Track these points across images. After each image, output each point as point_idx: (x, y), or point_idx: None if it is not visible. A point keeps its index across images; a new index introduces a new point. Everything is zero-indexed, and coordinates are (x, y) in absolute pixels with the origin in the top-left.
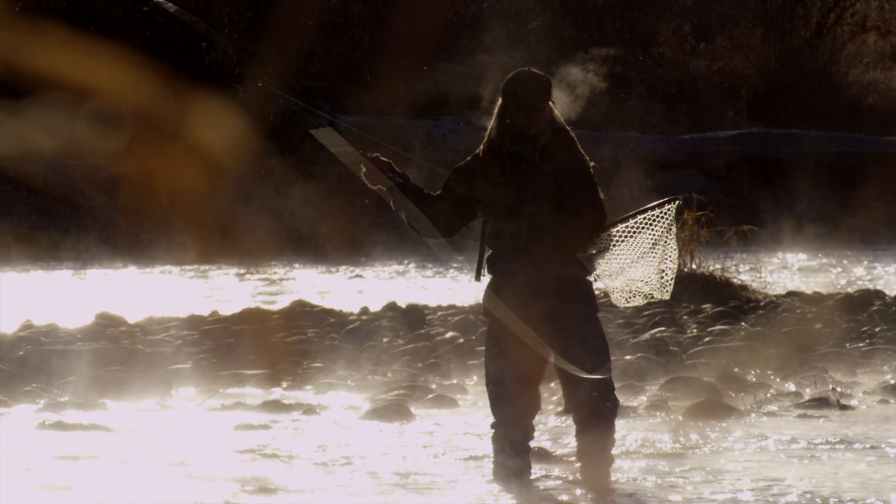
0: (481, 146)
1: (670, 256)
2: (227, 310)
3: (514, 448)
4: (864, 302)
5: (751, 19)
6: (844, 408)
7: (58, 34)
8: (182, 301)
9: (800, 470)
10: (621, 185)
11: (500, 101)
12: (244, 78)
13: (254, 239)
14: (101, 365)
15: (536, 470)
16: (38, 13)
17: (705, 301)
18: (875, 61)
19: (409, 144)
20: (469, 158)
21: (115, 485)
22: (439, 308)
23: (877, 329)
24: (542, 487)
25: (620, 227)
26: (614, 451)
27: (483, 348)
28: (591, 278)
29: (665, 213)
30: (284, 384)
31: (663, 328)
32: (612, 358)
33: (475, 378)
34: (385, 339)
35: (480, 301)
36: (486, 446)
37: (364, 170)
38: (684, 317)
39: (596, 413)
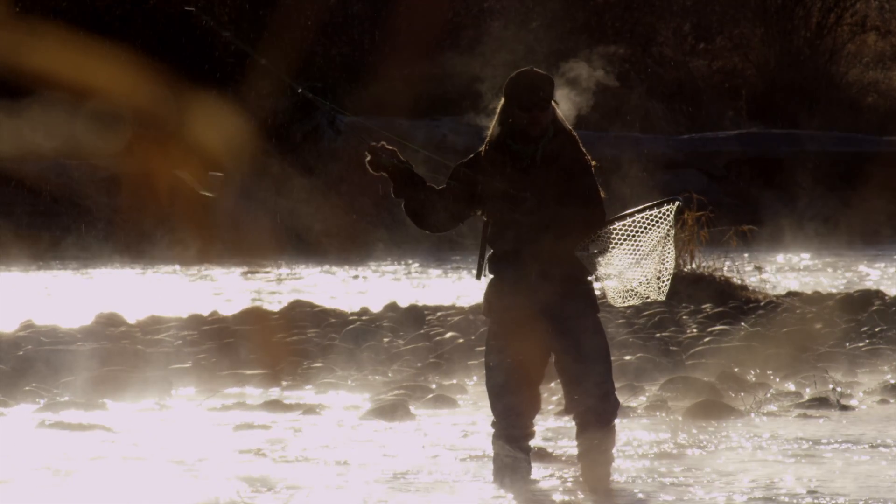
0: (484, 145)
1: (668, 258)
2: (227, 310)
3: (514, 448)
4: (864, 302)
5: (751, 19)
6: (844, 408)
7: (58, 34)
8: (182, 301)
9: (800, 470)
10: (622, 185)
11: (502, 100)
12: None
13: (254, 239)
14: (101, 365)
15: (536, 470)
16: (38, 13)
17: (705, 301)
18: (875, 61)
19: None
20: (472, 156)
21: (115, 485)
22: (439, 308)
23: (877, 329)
24: (542, 487)
25: (618, 224)
26: (614, 451)
27: (483, 348)
28: (590, 278)
29: (665, 214)
30: (284, 384)
31: (663, 328)
32: (612, 358)
33: (475, 378)
34: (385, 339)
35: (480, 301)
36: (487, 446)
37: (369, 157)
38: (684, 317)
39: (596, 413)
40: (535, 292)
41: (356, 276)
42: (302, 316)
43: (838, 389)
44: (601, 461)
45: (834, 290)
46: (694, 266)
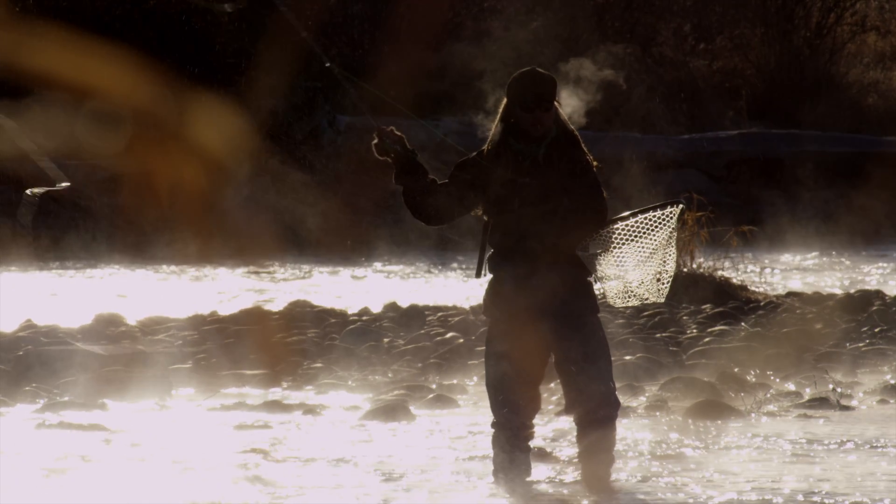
0: (486, 145)
1: (669, 261)
2: (227, 310)
3: (514, 448)
4: (864, 302)
5: (751, 19)
6: (844, 408)
7: (58, 34)
8: (182, 301)
9: (800, 470)
10: (622, 185)
11: (504, 100)
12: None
13: (254, 239)
14: (101, 365)
15: (536, 470)
16: (38, 13)
17: (705, 301)
18: (875, 61)
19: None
20: (474, 154)
21: (115, 485)
22: (439, 308)
23: (877, 329)
24: (542, 487)
25: (621, 225)
26: (614, 452)
27: (483, 348)
28: (590, 279)
29: (668, 217)
30: (284, 384)
31: (663, 328)
32: (612, 358)
33: (475, 378)
34: (385, 340)
35: (480, 301)
36: (487, 446)
37: (376, 140)
38: (684, 317)
39: (596, 413)
40: (536, 292)
41: (356, 276)
42: (302, 316)
43: (838, 389)
44: (601, 461)
45: (834, 291)
46: (694, 266)
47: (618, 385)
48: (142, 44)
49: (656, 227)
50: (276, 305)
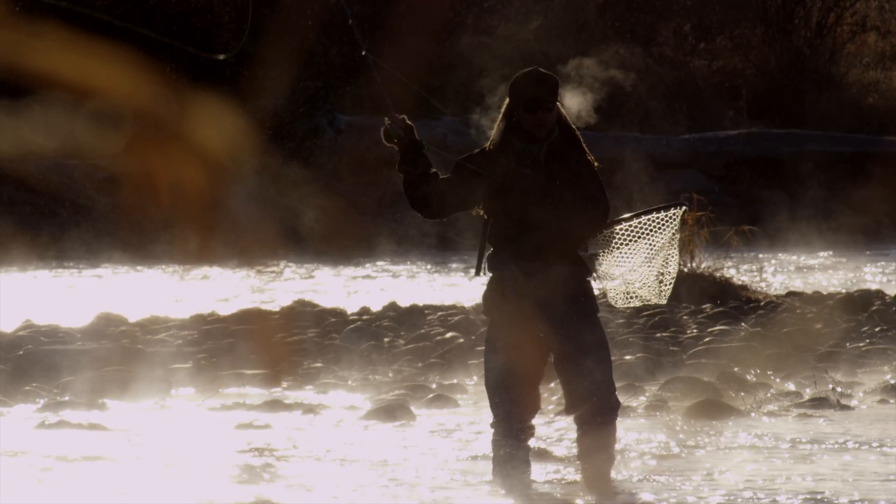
0: (488, 143)
1: (671, 262)
2: (227, 310)
3: (514, 448)
4: (864, 302)
5: (751, 19)
6: (844, 408)
7: (58, 34)
8: (182, 301)
9: (800, 470)
10: (622, 185)
11: (507, 100)
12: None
13: (254, 238)
14: (101, 365)
15: (536, 470)
16: (38, 13)
17: (705, 301)
18: (875, 61)
19: None
20: (477, 151)
21: (115, 485)
22: (439, 308)
23: (877, 329)
24: (542, 487)
25: (624, 225)
26: (614, 451)
27: (483, 348)
28: (589, 279)
29: (670, 219)
30: (285, 384)
31: (663, 328)
32: (612, 358)
33: (475, 378)
34: (385, 339)
35: (480, 301)
36: (487, 446)
37: (387, 123)
38: (684, 317)
39: (596, 413)
40: (536, 291)
41: (356, 276)
42: (302, 316)
43: (838, 389)
44: (601, 461)
45: (834, 290)
46: (694, 266)
47: (618, 385)
48: (142, 44)
49: (659, 228)
50: (276, 305)
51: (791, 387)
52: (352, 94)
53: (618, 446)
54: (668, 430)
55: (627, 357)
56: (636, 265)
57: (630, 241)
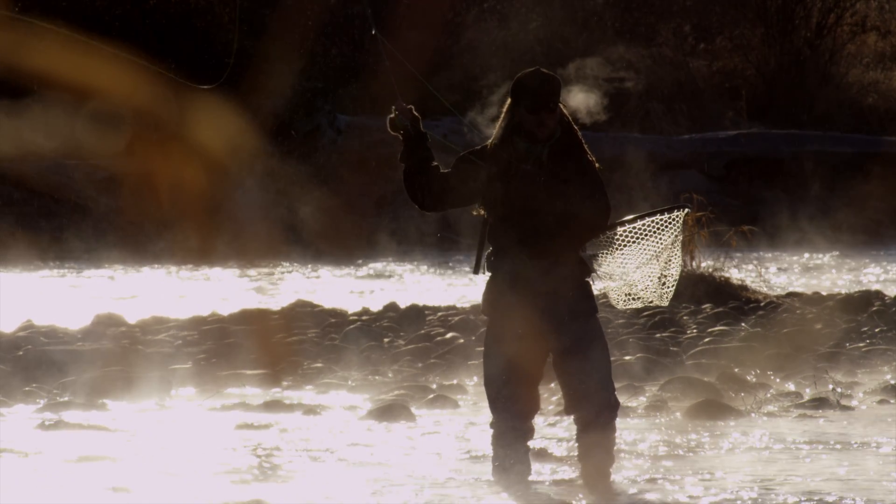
0: (490, 140)
1: (674, 264)
2: (226, 310)
3: (513, 448)
4: (864, 302)
5: (751, 19)
6: (844, 408)
7: (58, 34)
8: (182, 301)
9: (800, 470)
10: (621, 185)
11: (508, 100)
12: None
13: (254, 239)
14: (101, 365)
15: (536, 470)
16: (38, 13)
17: (705, 301)
18: (875, 61)
19: None
20: (478, 148)
21: (115, 485)
22: (439, 308)
23: (877, 329)
24: (542, 487)
25: (628, 227)
26: (614, 452)
27: (483, 348)
28: (588, 279)
29: (673, 221)
30: (285, 384)
31: (663, 328)
32: (612, 358)
33: (475, 378)
34: (385, 340)
35: (480, 301)
36: (486, 446)
37: (394, 112)
38: (684, 317)
39: (596, 413)
40: (535, 291)
41: (356, 276)
42: (302, 316)
43: (838, 389)
44: (601, 461)
45: (834, 291)
46: (694, 266)
47: (618, 385)
48: (142, 44)
49: (661, 230)
50: (276, 305)
51: (791, 387)
52: (352, 94)
53: (617, 446)
54: (668, 431)
55: (627, 357)
56: (637, 266)
57: (632, 242)
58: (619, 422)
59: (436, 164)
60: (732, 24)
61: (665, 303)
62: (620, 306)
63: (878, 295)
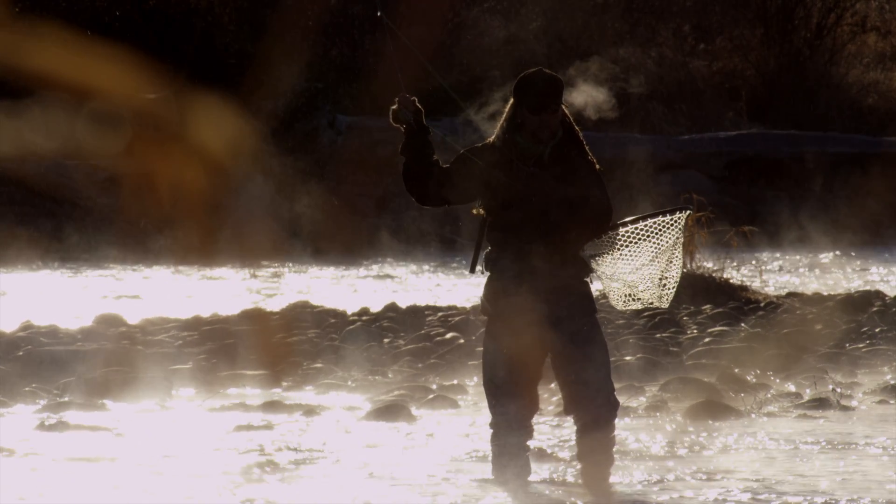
0: (491, 139)
1: (675, 266)
2: (227, 310)
3: (513, 448)
4: (864, 302)
5: (750, 20)
6: (844, 408)
7: (58, 34)
8: (182, 301)
9: (800, 470)
10: (622, 186)
11: (510, 100)
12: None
13: (254, 239)
14: (102, 365)
15: (536, 470)
16: (38, 13)
17: (705, 302)
18: (875, 62)
19: None
20: (479, 146)
21: (115, 485)
22: (439, 308)
23: (877, 329)
24: (541, 487)
25: (630, 227)
26: (614, 452)
27: (483, 348)
28: (587, 279)
29: (675, 223)
30: (285, 385)
31: (663, 329)
32: (612, 358)
33: (475, 378)
34: (385, 340)
35: (480, 301)
36: (486, 447)
37: (396, 105)
38: (684, 317)
39: (596, 413)
40: (534, 291)
41: (356, 276)
42: (302, 316)
43: (838, 390)
44: (601, 462)
45: (834, 291)
46: (694, 266)
47: (618, 385)
48: (142, 44)
49: (662, 231)
50: (276, 305)
51: (791, 387)
52: (352, 94)
53: (617, 446)
54: (668, 431)
55: (627, 357)
56: (637, 267)
57: (632, 243)
58: (619, 422)
59: (436, 158)
60: (732, 25)
61: (665, 304)
62: (620, 307)
63: (879, 295)
